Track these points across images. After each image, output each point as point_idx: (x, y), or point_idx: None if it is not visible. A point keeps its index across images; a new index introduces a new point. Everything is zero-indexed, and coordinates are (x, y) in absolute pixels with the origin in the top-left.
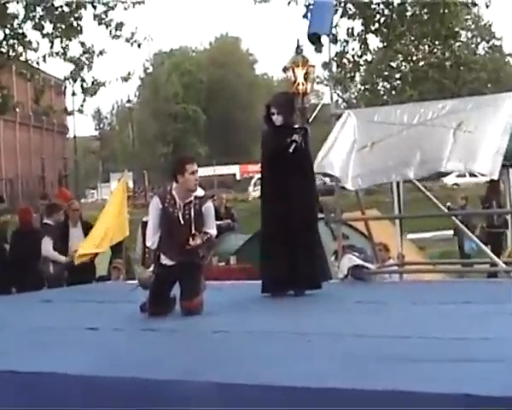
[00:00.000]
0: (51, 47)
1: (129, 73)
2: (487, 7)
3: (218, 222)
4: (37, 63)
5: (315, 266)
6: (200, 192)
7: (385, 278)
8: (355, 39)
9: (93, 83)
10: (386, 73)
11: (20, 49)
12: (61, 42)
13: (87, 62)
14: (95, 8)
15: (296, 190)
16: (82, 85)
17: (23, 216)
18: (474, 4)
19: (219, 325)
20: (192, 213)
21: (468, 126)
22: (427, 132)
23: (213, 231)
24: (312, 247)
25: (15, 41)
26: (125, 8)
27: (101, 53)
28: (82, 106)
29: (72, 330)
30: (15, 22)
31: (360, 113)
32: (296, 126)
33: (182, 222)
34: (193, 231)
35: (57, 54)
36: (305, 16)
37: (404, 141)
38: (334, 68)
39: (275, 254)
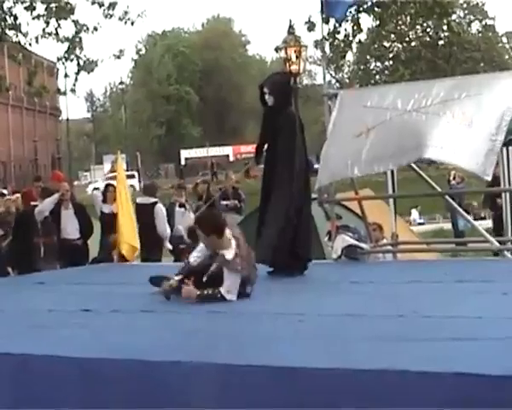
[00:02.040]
0: (45, 28)
1: (121, 51)
2: None
3: (226, 202)
4: (30, 44)
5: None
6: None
7: (379, 257)
8: (347, 20)
9: (86, 62)
10: (378, 53)
11: (12, 31)
12: (57, 21)
13: (79, 41)
14: None
15: (278, 179)
16: (78, 63)
17: (25, 199)
18: None
19: (213, 305)
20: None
21: (464, 118)
22: (421, 120)
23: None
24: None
25: (6, 23)
26: None
27: (95, 29)
28: (74, 85)
29: (67, 312)
30: (6, 4)
31: (353, 95)
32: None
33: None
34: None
35: (50, 34)
36: None
37: (399, 128)
38: (327, 48)
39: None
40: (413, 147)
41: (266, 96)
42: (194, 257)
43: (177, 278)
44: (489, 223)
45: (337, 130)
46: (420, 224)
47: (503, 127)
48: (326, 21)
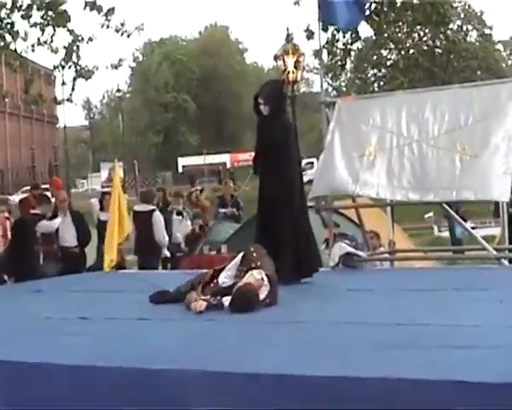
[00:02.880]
0: (41, 36)
1: (120, 60)
2: None
3: (223, 210)
4: (26, 52)
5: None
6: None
7: (376, 265)
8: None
9: (83, 69)
10: (376, 61)
11: (9, 38)
12: (54, 29)
13: (76, 50)
14: None
15: (272, 184)
16: (76, 70)
17: (23, 206)
18: None
19: (209, 313)
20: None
21: (473, 149)
22: (431, 155)
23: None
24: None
25: (4, 31)
26: None
27: (90, 39)
28: (71, 94)
29: (64, 319)
30: (3, 12)
31: (351, 105)
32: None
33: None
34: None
35: (45, 42)
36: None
37: (412, 159)
38: (325, 56)
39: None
40: (437, 187)
41: (261, 107)
42: (224, 278)
43: (204, 297)
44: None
45: (336, 143)
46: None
47: (511, 147)
48: (324, 30)
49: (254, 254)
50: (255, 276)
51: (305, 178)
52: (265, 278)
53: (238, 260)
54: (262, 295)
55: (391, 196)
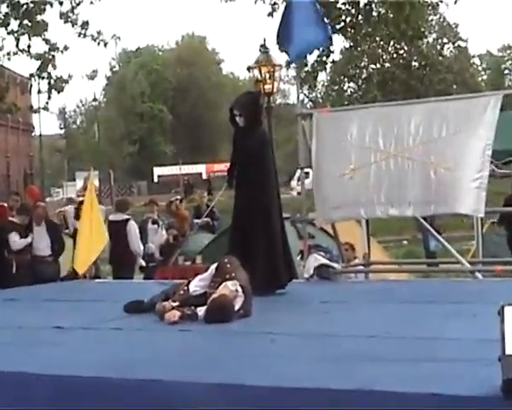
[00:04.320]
0: (17, 44)
1: (94, 71)
2: (455, 2)
3: (197, 221)
4: (1, 60)
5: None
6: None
7: (350, 277)
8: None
9: (58, 79)
10: (352, 74)
11: None
12: (29, 38)
13: (51, 59)
14: (61, 4)
15: (248, 196)
16: (49, 82)
17: (0, 213)
18: (441, 1)
19: (184, 325)
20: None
21: (448, 162)
22: (407, 167)
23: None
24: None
25: None
26: (92, 2)
27: (65, 48)
28: (47, 103)
29: (38, 329)
30: None
31: (329, 119)
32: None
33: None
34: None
35: (22, 51)
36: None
37: (387, 174)
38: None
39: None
40: (414, 201)
41: (237, 118)
42: (195, 287)
43: (174, 304)
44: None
45: (320, 163)
46: None
47: (485, 162)
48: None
49: (228, 266)
50: (230, 287)
51: (302, 188)
52: (240, 289)
53: (212, 271)
54: (236, 306)
55: (371, 215)
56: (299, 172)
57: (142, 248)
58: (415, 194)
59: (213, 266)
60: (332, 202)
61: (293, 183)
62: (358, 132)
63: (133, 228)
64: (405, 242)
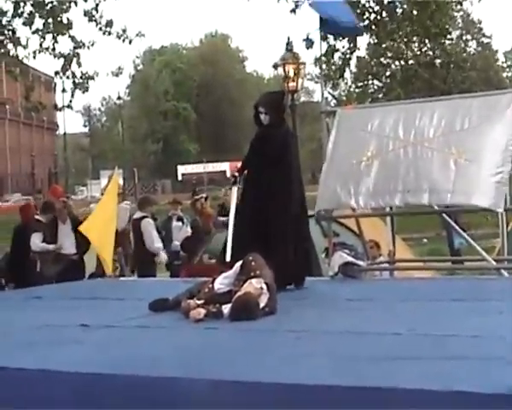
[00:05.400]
0: (42, 43)
1: (119, 68)
2: (479, 1)
3: (223, 219)
4: (27, 58)
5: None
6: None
7: (375, 275)
8: (344, 38)
9: (83, 76)
10: (376, 71)
11: (10, 45)
12: (53, 38)
13: (76, 56)
14: (86, 1)
15: (274, 190)
16: (74, 80)
17: (24, 212)
18: None
19: (211, 321)
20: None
21: (469, 154)
22: (426, 156)
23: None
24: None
25: (5, 38)
26: None
27: (92, 44)
28: (71, 101)
29: (64, 327)
30: (4, 19)
31: (352, 115)
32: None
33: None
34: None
35: (47, 49)
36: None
37: (405, 162)
38: (324, 65)
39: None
40: (428, 189)
41: (262, 116)
42: (220, 285)
43: (199, 302)
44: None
45: (336, 154)
46: None
47: (508, 157)
48: (324, 39)
49: (253, 263)
50: (254, 285)
51: None
52: (264, 287)
53: (237, 269)
54: (261, 304)
55: (388, 203)
56: None
57: (158, 245)
58: (432, 182)
59: (238, 264)
60: (346, 189)
61: None
62: (380, 124)
63: (148, 225)
64: (425, 240)
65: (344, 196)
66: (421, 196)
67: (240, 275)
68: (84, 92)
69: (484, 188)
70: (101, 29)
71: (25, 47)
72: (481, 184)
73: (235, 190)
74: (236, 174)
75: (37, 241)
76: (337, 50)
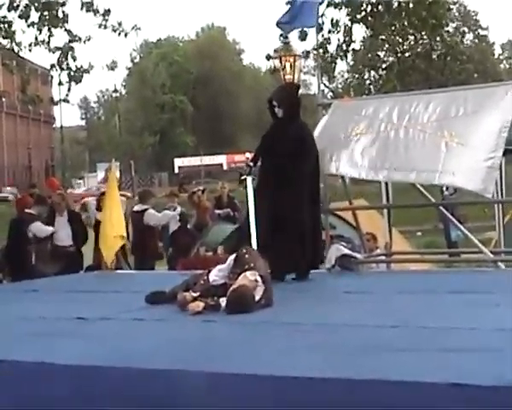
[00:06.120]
0: (37, 36)
1: (113, 62)
2: None
3: (219, 211)
4: (22, 50)
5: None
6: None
7: (372, 267)
8: (339, 31)
9: (78, 69)
10: (372, 63)
11: (6, 39)
12: (49, 30)
13: (71, 50)
14: None
15: (287, 183)
16: (69, 73)
17: (19, 205)
18: None
19: (208, 314)
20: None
21: (461, 138)
22: (417, 138)
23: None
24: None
25: (0, 31)
26: None
27: (88, 39)
28: (67, 95)
29: (60, 319)
30: (0, 12)
31: (348, 105)
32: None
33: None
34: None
35: (43, 42)
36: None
37: (397, 141)
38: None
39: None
40: (416, 168)
41: (276, 109)
42: (215, 277)
43: (194, 294)
44: None
45: (326, 131)
46: None
47: (500, 144)
48: (319, 31)
49: (247, 256)
50: (249, 277)
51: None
52: (259, 279)
53: (231, 262)
54: (257, 296)
55: (373, 177)
56: None
57: (163, 221)
58: (421, 162)
59: (232, 257)
60: (329, 157)
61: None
62: (374, 111)
63: (151, 214)
64: (419, 233)
65: (326, 162)
66: (408, 175)
67: (234, 268)
68: (77, 83)
69: (474, 171)
70: (97, 23)
71: (18, 44)
72: (471, 168)
73: (249, 180)
74: (251, 164)
75: (40, 226)
76: (330, 43)
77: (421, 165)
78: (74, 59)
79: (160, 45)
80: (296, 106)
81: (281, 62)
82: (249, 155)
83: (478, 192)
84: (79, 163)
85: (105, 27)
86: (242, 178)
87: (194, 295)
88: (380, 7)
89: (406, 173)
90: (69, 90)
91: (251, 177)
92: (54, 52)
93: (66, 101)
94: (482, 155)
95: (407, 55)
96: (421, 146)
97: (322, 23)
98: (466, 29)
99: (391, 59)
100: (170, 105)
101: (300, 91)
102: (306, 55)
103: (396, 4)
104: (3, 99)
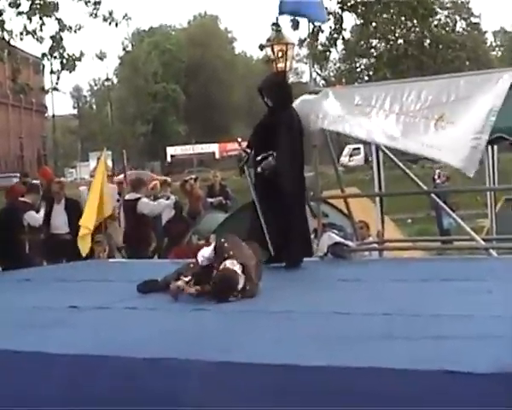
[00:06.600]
0: (25, 27)
1: (101, 52)
2: None
3: (211, 199)
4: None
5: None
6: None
7: (364, 255)
8: (329, 18)
9: (69, 57)
10: (364, 51)
11: None
12: (41, 18)
13: (60, 40)
14: None
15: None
16: (61, 62)
17: (10, 194)
18: None
19: (198, 303)
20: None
21: (450, 118)
22: (408, 121)
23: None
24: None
25: None
26: None
27: (79, 28)
28: (57, 83)
29: (53, 309)
30: None
31: (339, 93)
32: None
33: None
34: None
35: (34, 31)
36: None
37: (384, 121)
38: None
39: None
40: (405, 136)
41: (265, 99)
42: (202, 257)
43: (186, 279)
44: None
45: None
46: None
47: (487, 126)
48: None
49: (226, 245)
50: (228, 266)
51: (353, 164)
52: (239, 267)
53: (212, 250)
54: (240, 285)
55: (356, 134)
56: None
57: (157, 210)
58: (411, 134)
59: (213, 245)
60: (315, 114)
61: (345, 159)
62: (366, 98)
63: (144, 203)
64: (409, 220)
65: (312, 117)
66: (393, 140)
67: (216, 258)
68: (70, 72)
69: (459, 149)
70: (88, 12)
71: (9, 32)
72: (456, 145)
73: (247, 171)
74: (248, 150)
75: (34, 214)
76: (322, 31)
77: (410, 136)
78: (64, 49)
79: (152, 34)
80: (285, 94)
81: (273, 51)
82: (240, 140)
83: (459, 168)
84: (71, 152)
85: (96, 16)
86: (240, 165)
87: (186, 279)
88: None
89: (393, 138)
90: (58, 78)
91: (246, 166)
92: (41, 42)
93: (56, 89)
94: (468, 135)
95: (399, 42)
96: (412, 125)
97: None
98: (458, 17)
99: (381, 47)
100: (162, 94)
101: (291, 79)
102: (301, 43)
103: None
104: None
